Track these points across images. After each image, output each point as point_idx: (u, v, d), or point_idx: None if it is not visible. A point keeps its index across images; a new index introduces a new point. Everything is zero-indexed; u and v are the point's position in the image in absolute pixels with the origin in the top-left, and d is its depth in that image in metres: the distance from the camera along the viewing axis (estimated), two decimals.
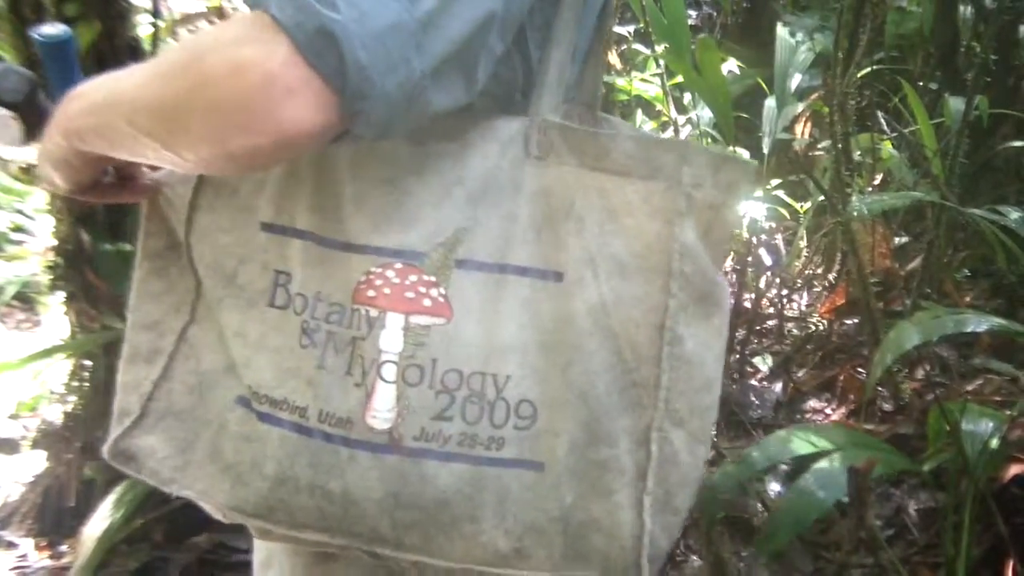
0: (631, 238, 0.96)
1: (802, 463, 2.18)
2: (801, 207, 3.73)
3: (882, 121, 3.73)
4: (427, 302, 0.94)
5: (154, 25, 2.81)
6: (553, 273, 0.96)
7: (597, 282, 0.96)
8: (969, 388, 2.86)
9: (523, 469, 0.95)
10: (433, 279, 0.94)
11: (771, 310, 3.57)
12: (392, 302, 0.93)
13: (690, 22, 4.94)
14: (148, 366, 1.08)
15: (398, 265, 0.94)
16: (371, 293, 0.94)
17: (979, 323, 2.38)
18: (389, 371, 0.93)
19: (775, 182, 3.87)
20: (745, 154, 3.79)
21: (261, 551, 1.23)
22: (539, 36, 0.99)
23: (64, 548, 2.71)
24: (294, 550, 1.16)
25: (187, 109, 0.82)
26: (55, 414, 2.78)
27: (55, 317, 2.88)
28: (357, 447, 0.94)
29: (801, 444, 2.13)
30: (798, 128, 4.01)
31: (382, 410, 0.94)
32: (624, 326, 0.96)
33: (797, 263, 3.74)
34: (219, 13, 3.39)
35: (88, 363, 2.72)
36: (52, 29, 1.17)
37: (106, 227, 2.60)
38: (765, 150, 3.33)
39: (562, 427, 0.95)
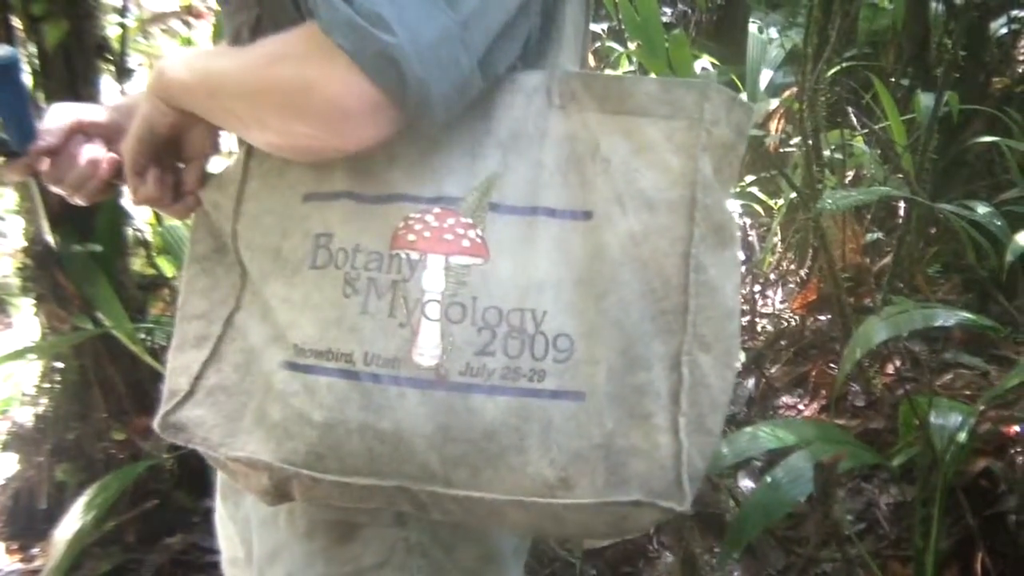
0: (657, 174, 1.03)
1: (774, 459, 2.20)
2: (774, 203, 3.75)
3: (852, 117, 3.75)
4: (466, 243, 1.01)
5: (122, 25, 2.81)
6: (582, 213, 1.03)
7: (626, 217, 1.02)
8: (939, 382, 2.88)
9: (565, 400, 1.00)
10: (470, 221, 1.01)
11: (745, 306, 3.59)
12: (432, 244, 1.01)
13: (664, 19, 4.98)
14: (196, 351, 1.15)
15: (436, 210, 1.01)
16: (411, 237, 1.01)
17: (948, 318, 2.40)
18: (433, 310, 1.00)
19: (749, 178, 3.89)
20: None
21: (266, 544, 1.24)
22: (538, 4, 1.08)
23: (35, 551, 2.71)
24: (308, 535, 1.18)
25: (264, 107, 1.00)
26: (26, 416, 2.80)
27: (27, 319, 2.89)
28: (406, 384, 0.99)
29: (770, 439, 2.15)
30: (772, 124, 4.04)
31: (428, 347, 0.99)
32: (653, 256, 1.02)
33: (771, 259, 3.76)
34: (190, 11, 3.39)
35: (59, 365, 2.73)
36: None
37: (75, 228, 2.61)
38: None
39: (600, 355, 1.00)
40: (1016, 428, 2.51)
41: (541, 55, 1.08)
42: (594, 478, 0.99)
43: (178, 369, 1.16)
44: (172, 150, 1.19)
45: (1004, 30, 3.85)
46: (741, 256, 3.70)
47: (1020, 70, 3.83)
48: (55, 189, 1.27)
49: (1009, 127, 3.47)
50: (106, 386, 2.68)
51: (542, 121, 1.05)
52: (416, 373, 0.99)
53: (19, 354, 2.59)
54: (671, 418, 1.02)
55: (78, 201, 1.29)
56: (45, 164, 1.24)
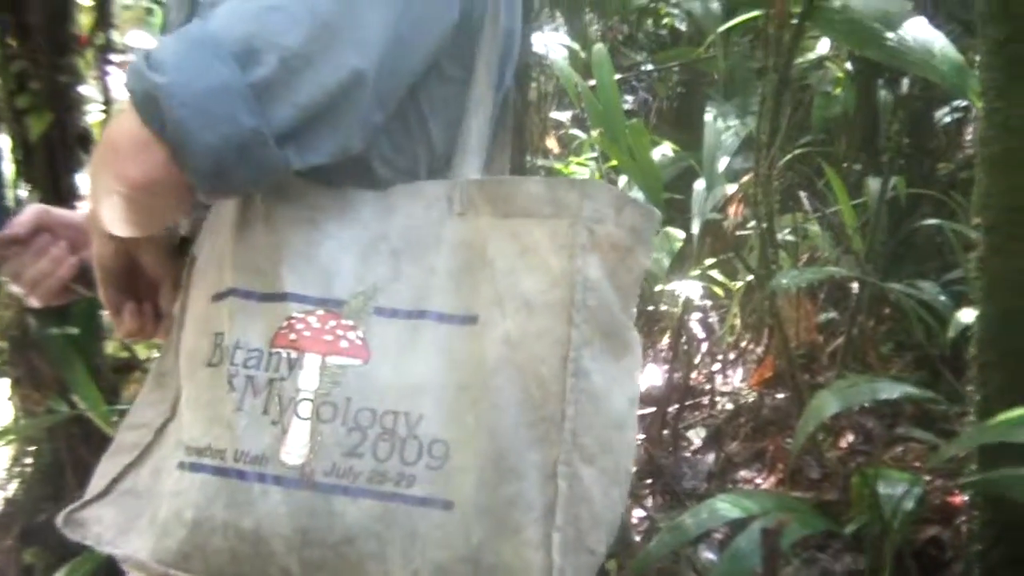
0: (538, 275, 1.02)
1: (735, 531, 2.28)
2: (733, 285, 3.88)
3: (804, 201, 3.92)
4: (344, 344, 1.01)
5: (105, 112, 2.92)
6: (469, 317, 1.02)
7: (504, 321, 1.01)
8: (890, 455, 3.01)
9: (432, 508, 0.97)
10: (351, 323, 1.02)
11: (706, 385, 3.71)
12: (311, 344, 1.01)
13: (626, 107, 5.15)
14: (126, 455, 1.15)
15: (320, 312, 1.02)
16: (292, 336, 1.02)
17: (892, 390, 2.53)
18: (304, 408, 0.99)
19: (709, 261, 4.02)
20: (680, 234, 3.96)
21: None
22: (440, 117, 1.12)
23: None
24: None
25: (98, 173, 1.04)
26: None
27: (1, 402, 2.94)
28: (270, 483, 0.98)
29: (731, 509, 2.23)
30: (731, 208, 4.19)
31: (296, 446, 0.99)
32: (530, 361, 1.00)
33: (730, 339, 3.88)
34: None
35: (31, 448, 2.78)
36: None
37: (53, 312, 2.61)
38: (695, 230, 3.50)
39: (472, 464, 0.98)
40: (962, 497, 2.63)
41: (448, 165, 1.11)
42: None
43: (102, 472, 1.17)
44: (143, 279, 1.22)
45: (948, 119, 4.04)
46: (701, 334, 3.83)
47: (963, 156, 4.02)
48: (14, 287, 1.28)
49: (954, 210, 3.64)
50: (79, 468, 2.68)
51: (439, 228, 1.05)
52: (282, 471, 0.98)
53: None
54: (545, 533, 0.98)
55: (33, 302, 1.29)
56: (8, 254, 1.26)
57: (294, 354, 1.01)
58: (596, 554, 1.01)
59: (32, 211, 1.27)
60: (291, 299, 1.03)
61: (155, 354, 2.90)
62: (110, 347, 2.92)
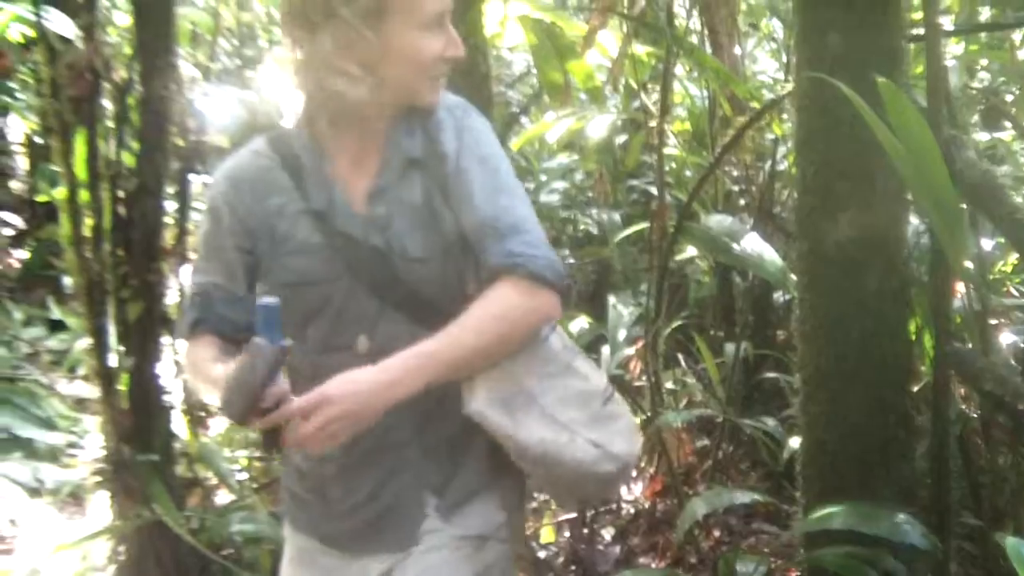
0: None
1: None
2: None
3: (682, 360, 4.30)
4: None
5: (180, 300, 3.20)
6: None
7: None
8: (747, 544, 3.31)
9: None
10: None
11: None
12: None
13: None
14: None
15: None
16: None
17: (745, 497, 2.87)
18: None
19: None
20: None
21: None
22: None
23: None
24: None
25: (501, 348, 1.48)
26: None
27: (97, 510, 3.12)
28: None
29: None
30: (632, 365, 4.56)
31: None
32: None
33: None
34: None
35: (124, 542, 2.96)
36: (270, 299, 1.34)
37: (141, 443, 2.91)
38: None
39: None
40: (797, 572, 2.94)
41: None
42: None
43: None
44: None
45: (782, 299, 4.48)
46: None
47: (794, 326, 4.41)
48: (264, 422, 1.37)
49: (789, 366, 4.02)
50: (158, 558, 2.90)
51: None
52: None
53: (98, 534, 2.85)
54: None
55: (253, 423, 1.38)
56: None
57: None
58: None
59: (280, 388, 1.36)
60: None
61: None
62: (180, 469, 3.12)
